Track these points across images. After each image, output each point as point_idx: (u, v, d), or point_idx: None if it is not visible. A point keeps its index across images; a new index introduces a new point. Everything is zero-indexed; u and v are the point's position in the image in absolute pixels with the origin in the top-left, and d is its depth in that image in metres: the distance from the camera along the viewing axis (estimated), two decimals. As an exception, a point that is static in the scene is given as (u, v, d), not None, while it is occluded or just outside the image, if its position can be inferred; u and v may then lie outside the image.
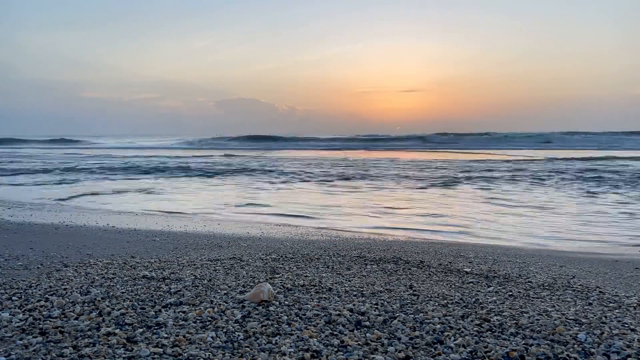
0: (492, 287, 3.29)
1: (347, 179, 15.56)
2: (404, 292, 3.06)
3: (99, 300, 2.62)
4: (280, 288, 3.02)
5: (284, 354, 1.99)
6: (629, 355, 2.00)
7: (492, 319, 2.46)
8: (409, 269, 3.91)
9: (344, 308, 2.60)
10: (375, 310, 2.57)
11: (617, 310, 2.74)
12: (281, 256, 4.29)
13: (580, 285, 3.46)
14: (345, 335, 2.22)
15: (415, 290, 3.10)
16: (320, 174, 17.43)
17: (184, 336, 2.14)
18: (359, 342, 2.14)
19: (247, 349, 2.04)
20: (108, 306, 2.52)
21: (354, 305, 2.67)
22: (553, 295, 3.11)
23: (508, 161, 24.31)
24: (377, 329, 2.31)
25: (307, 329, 2.27)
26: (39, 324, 2.25)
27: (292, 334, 2.21)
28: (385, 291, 3.06)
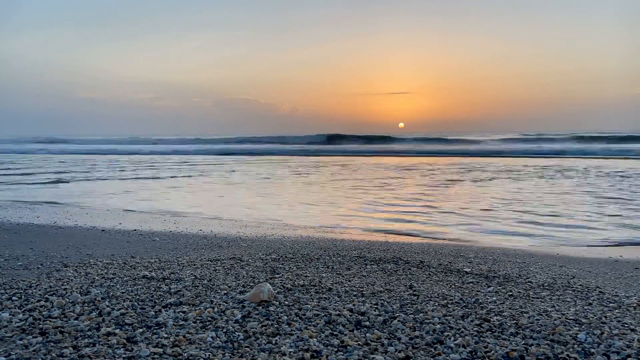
0: (492, 287, 3.29)
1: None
2: (404, 292, 3.06)
3: (99, 300, 2.62)
4: (280, 288, 3.02)
5: (284, 354, 1.99)
6: (629, 355, 2.00)
7: (492, 319, 2.47)
8: (409, 269, 3.91)
9: (344, 308, 2.60)
10: (375, 310, 2.57)
11: (617, 310, 2.74)
12: (281, 256, 4.29)
13: (580, 285, 3.46)
14: (345, 335, 2.22)
15: (415, 290, 3.10)
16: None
17: (184, 336, 2.14)
18: (359, 342, 2.14)
19: (247, 349, 2.04)
20: (108, 306, 2.52)
21: (354, 305, 2.67)
22: (553, 295, 3.11)
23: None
24: (377, 329, 2.31)
25: (307, 329, 2.27)
26: (39, 324, 2.25)
27: (292, 334, 2.21)
28: (385, 291, 3.06)
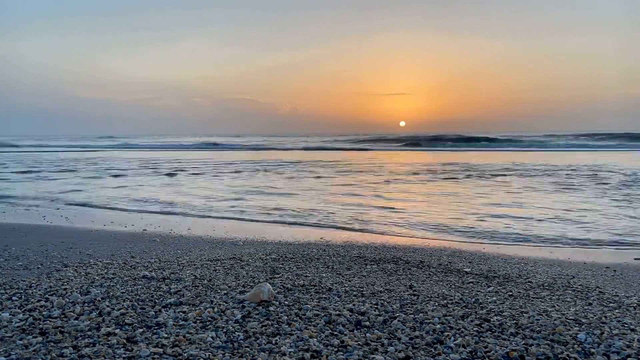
0: (492, 287, 3.29)
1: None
2: (404, 292, 3.06)
3: (99, 300, 2.62)
4: (280, 288, 3.02)
5: (284, 354, 1.99)
6: (629, 355, 2.00)
7: (492, 319, 2.47)
8: (409, 269, 3.91)
9: (344, 308, 2.60)
10: (375, 310, 2.57)
11: (617, 310, 2.74)
12: (281, 256, 4.29)
13: (580, 285, 3.46)
14: (345, 335, 2.22)
15: (415, 290, 3.10)
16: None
17: (184, 336, 2.14)
18: (359, 342, 2.14)
19: (247, 349, 2.04)
20: (108, 306, 2.52)
21: (354, 305, 2.67)
22: (553, 295, 3.11)
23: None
24: (377, 329, 2.31)
25: (307, 329, 2.27)
26: (39, 324, 2.25)
27: (292, 334, 2.21)
28: (385, 291, 3.06)
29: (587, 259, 5.00)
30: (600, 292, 3.24)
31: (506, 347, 2.08)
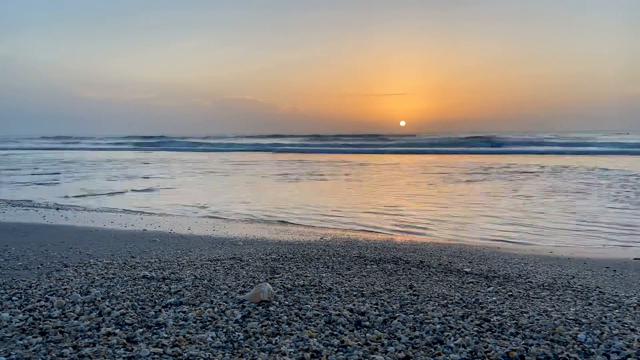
0: (492, 287, 3.29)
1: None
2: (404, 292, 3.06)
3: (99, 300, 2.62)
4: (280, 288, 3.02)
5: (284, 354, 1.99)
6: (629, 355, 2.00)
7: (492, 319, 2.47)
8: (409, 269, 3.91)
9: (344, 308, 2.60)
10: (375, 310, 2.57)
11: (617, 310, 2.74)
12: (281, 256, 4.29)
13: (580, 285, 3.46)
14: (345, 335, 2.22)
15: (415, 290, 3.10)
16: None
17: (184, 336, 2.14)
18: (359, 342, 2.14)
19: (247, 349, 2.04)
20: (108, 306, 2.52)
21: (354, 305, 2.67)
22: (553, 295, 3.11)
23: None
24: (377, 329, 2.31)
25: (307, 329, 2.27)
26: (39, 324, 2.25)
27: (292, 334, 2.21)
28: (385, 291, 3.06)
29: (587, 258, 5.00)
30: (600, 292, 3.24)
31: (506, 347, 2.08)
